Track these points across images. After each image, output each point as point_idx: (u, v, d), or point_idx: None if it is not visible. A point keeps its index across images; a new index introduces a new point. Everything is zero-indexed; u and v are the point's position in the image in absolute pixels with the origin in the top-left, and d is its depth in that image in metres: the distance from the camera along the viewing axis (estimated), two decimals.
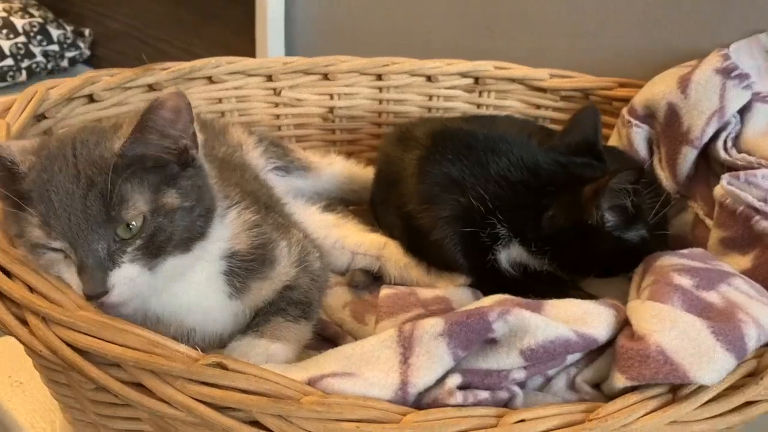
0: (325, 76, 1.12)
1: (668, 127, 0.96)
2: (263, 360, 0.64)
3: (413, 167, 0.89)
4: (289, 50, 1.56)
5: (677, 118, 0.94)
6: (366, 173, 1.06)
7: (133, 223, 0.60)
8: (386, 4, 1.41)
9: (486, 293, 0.81)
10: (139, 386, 0.55)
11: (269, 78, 1.09)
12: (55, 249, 0.60)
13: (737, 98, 0.92)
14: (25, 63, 1.99)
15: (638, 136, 1.00)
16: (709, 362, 0.58)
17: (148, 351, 0.54)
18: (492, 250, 0.84)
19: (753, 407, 0.60)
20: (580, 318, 0.64)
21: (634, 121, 1.00)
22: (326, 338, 0.81)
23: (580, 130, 0.92)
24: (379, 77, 1.13)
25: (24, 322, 0.57)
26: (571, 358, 0.64)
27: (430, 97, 1.15)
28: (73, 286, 0.59)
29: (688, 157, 0.93)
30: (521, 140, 0.92)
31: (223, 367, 0.54)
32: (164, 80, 0.99)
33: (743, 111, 0.93)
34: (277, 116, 1.12)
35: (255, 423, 0.54)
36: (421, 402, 0.58)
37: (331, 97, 1.14)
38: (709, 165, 0.94)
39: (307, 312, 0.73)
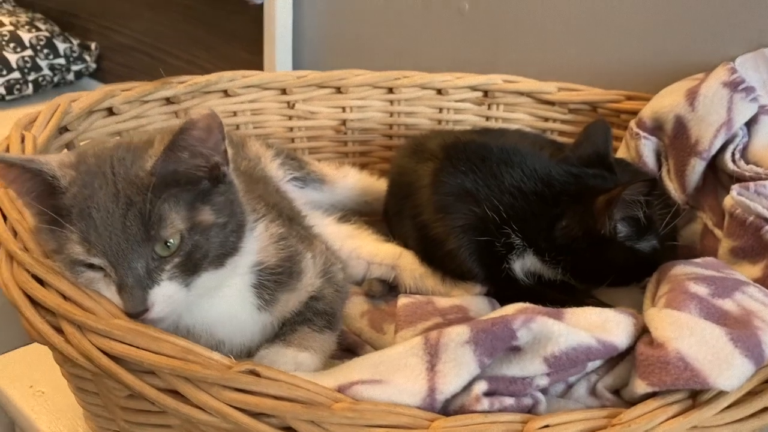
0: (338, 90, 1.14)
1: (676, 139, 0.97)
2: (292, 368, 0.65)
3: (427, 178, 0.91)
4: (297, 65, 1.58)
5: (685, 131, 0.96)
6: (379, 185, 1.07)
7: (171, 240, 0.61)
8: (393, 19, 1.43)
9: (502, 302, 0.83)
10: (173, 393, 0.56)
11: (283, 91, 1.11)
12: (94, 266, 0.61)
13: (744, 111, 0.94)
14: (32, 76, 2.00)
15: (647, 148, 1.02)
16: (728, 368, 0.59)
17: (183, 359, 0.55)
18: (507, 260, 0.85)
19: None
20: (601, 326, 0.65)
21: (642, 134, 1.02)
22: (345, 348, 0.82)
23: (592, 142, 0.93)
24: (391, 90, 1.15)
25: (59, 331, 0.58)
26: (592, 365, 0.65)
27: (441, 110, 1.17)
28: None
29: (697, 168, 0.95)
30: (534, 152, 0.93)
31: (256, 375, 0.55)
32: (181, 94, 1.01)
33: (750, 123, 0.95)
34: (291, 129, 1.14)
35: (288, 429, 0.55)
36: (448, 408, 0.60)
37: (344, 110, 1.16)
38: (716, 176, 0.96)
39: (331, 322, 0.74)
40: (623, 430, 0.57)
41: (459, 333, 0.61)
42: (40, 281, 0.60)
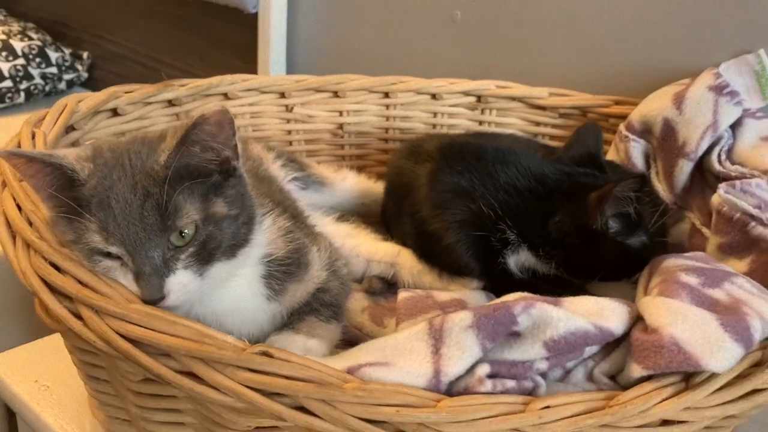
0: (335, 94, 1.16)
1: (664, 141, 1.01)
2: (301, 353, 0.67)
3: (425, 177, 0.93)
4: (291, 73, 1.60)
5: (673, 133, 0.99)
6: (377, 188, 1.10)
7: (186, 231, 0.63)
8: (387, 27, 1.45)
9: (498, 296, 0.85)
10: (189, 374, 0.58)
11: (282, 95, 1.14)
12: (112, 255, 0.62)
13: (729, 113, 0.97)
14: (24, 85, 2.01)
15: (636, 150, 1.05)
16: (719, 351, 0.62)
17: (199, 341, 0.57)
18: (502, 254, 0.88)
19: (759, 395, 0.64)
20: (597, 312, 0.68)
21: (631, 136, 1.05)
22: (347, 342, 0.84)
23: (583, 144, 0.96)
24: (387, 95, 1.18)
25: (77, 316, 0.60)
26: (589, 350, 0.67)
27: (435, 114, 1.20)
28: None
29: (684, 169, 0.98)
30: (528, 152, 0.96)
31: (269, 356, 0.57)
32: (183, 96, 1.03)
33: (735, 126, 0.99)
34: (289, 132, 1.17)
35: (300, 408, 0.57)
36: (452, 390, 0.62)
37: (341, 113, 1.18)
38: (703, 177, 0.99)
39: (337, 313, 0.77)
40: (620, 410, 0.60)
41: (462, 318, 0.64)
42: (57, 268, 0.62)
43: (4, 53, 1.99)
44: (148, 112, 1.00)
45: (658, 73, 1.10)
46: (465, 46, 1.34)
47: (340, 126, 1.19)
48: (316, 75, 1.18)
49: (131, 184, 0.62)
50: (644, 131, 1.04)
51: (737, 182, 0.89)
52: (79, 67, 2.15)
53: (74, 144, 0.89)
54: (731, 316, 0.66)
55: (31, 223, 0.65)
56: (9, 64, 1.98)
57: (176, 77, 1.04)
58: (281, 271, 0.72)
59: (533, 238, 0.87)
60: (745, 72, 1.04)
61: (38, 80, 2.04)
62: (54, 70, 2.08)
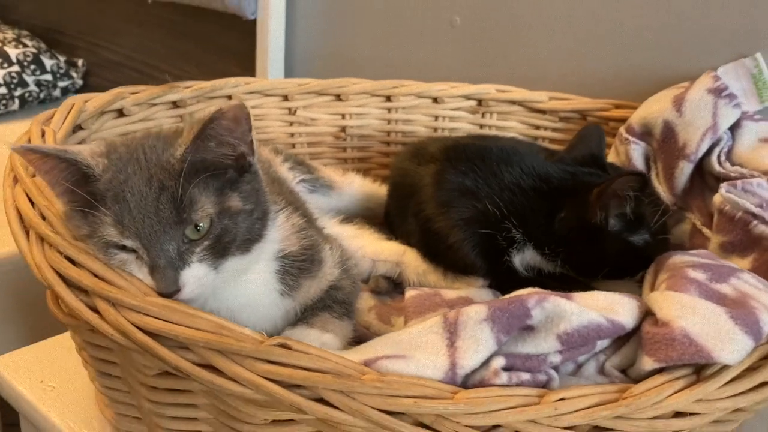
0: (338, 97, 1.17)
1: (665, 143, 1.02)
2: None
3: (430, 177, 0.94)
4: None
5: (673, 135, 1.01)
6: (381, 191, 1.11)
7: (201, 224, 0.63)
8: (385, 34, 1.46)
9: (504, 294, 0.86)
10: (208, 367, 0.58)
11: (285, 98, 1.14)
12: (127, 248, 0.62)
13: (728, 116, 0.99)
14: (18, 92, 2.01)
15: (636, 153, 1.06)
16: (730, 343, 0.63)
17: (217, 333, 0.57)
18: (507, 253, 0.89)
19: None
20: (608, 306, 0.68)
21: (632, 139, 1.06)
22: (355, 341, 0.84)
23: (586, 145, 0.98)
24: (389, 99, 1.19)
25: (93, 309, 0.60)
26: (601, 344, 0.68)
27: (436, 118, 1.21)
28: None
29: (685, 170, 0.99)
30: (531, 153, 0.97)
31: (288, 348, 0.58)
32: (188, 98, 1.03)
33: (734, 128, 1.00)
34: (292, 134, 1.17)
35: (319, 400, 0.57)
36: (468, 383, 0.62)
37: (343, 116, 1.19)
38: (703, 178, 1.00)
39: (349, 311, 0.77)
40: (634, 403, 0.60)
41: (477, 311, 0.64)
42: (73, 262, 0.62)
43: None
44: (153, 113, 1.00)
45: (657, 77, 1.12)
46: (464, 51, 1.35)
47: (343, 129, 1.19)
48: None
49: (147, 177, 0.62)
50: (644, 133, 1.06)
51: (738, 182, 0.90)
52: (74, 75, 2.14)
53: (81, 143, 0.89)
54: (740, 310, 0.67)
55: (44, 218, 0.65)
56: (3, 71, 1.98)
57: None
58: (295, 267, 0.72)
59: (538, 236, 0.88)
60: (743, 75, 1.06)
61: (33, 87, 2.04)
62: (49, 77, 2.07)
